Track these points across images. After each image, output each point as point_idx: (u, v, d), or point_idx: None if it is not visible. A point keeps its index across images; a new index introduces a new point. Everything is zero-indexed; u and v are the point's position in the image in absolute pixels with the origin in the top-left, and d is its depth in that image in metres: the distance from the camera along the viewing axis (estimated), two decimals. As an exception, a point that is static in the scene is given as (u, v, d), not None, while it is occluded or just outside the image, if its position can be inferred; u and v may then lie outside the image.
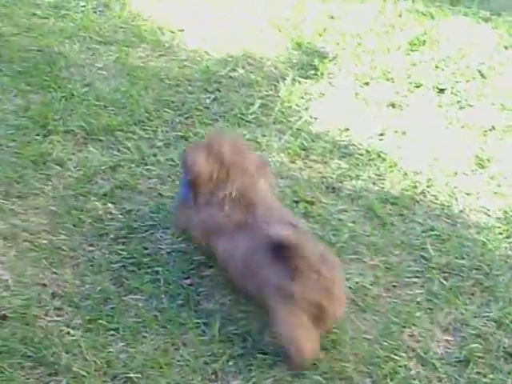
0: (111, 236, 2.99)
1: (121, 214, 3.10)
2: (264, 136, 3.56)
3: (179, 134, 3.51)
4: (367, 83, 4.00)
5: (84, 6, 4.52)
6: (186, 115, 3.65)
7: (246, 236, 2.56)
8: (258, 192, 2.64)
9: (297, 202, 3.23)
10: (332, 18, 4.56)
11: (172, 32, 4.33)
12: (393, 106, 3.87)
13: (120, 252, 2.93)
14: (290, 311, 2.42)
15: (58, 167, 3.32)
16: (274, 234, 2.41)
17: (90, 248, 2.96)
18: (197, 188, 2.68)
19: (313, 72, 4.02)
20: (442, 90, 4.00)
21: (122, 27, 4.35)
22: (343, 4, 4.69)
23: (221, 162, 2.65)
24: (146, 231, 3.03)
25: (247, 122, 3.64)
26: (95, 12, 4.47)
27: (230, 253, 2.61)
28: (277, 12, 4.52)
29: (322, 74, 4.02)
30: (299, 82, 3.93)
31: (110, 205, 3.13)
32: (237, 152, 2.68)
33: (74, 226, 3.04)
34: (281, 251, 2.39)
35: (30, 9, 4.43)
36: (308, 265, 2.39)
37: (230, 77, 3.96)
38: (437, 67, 4.18)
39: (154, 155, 3.38)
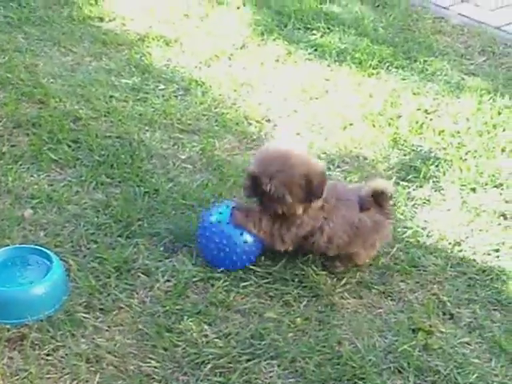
0: (209, 365, 2.62)
1: (218, 338, 2.73)
2: (370, 248, 3.19)
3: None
4: (474, 189, 3.64)
5: (163, 90, 4.25)
6: (282, 220, 3.30)
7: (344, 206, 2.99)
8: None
9: (414, 330, 2.85)
10: (427, 112, 4.24)
11: (258, 122, 4.03)
12: (504, 217, 3.50)
13: (219, 386, 2.56)
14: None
15: (144, 276, 2.97)
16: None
17: (185, 378, 2.60)
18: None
19: (415, 175, 3.68)
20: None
21: (204, 114, 4.06)
22: (437, 98, 4.38)
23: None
24: (248, 360, 2.66)
25: (351, 231, 3.28)
26: (176, 97, 4.19)
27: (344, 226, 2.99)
28: (369, 105, 4.21)
29: (424, 177, 3.67)
30: (402, 187, 3.59)
31: (205, 326, 2.77)
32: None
33: (165, 350, 2.68)
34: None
35: (107, 91, 4.16)
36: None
37: (326, 176, 3.61)
38: (547, 172, 3.83)
39: (252, 265, 3.03)
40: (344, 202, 2.99)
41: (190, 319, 2.78)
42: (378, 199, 3.01)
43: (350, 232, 2.99)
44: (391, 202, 3.11)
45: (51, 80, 4.25)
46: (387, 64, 4.68)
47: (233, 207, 2.98)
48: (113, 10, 5.13)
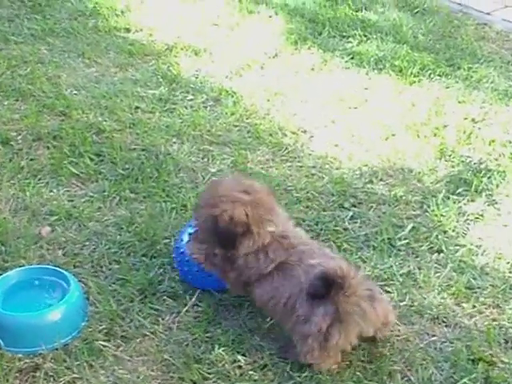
0: (243, 401, 2.33)
1: (253, 370, 2.45)
2: (420, 269, 2.90)
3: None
4: (532, 204, 3.33)
5: (192, 100, 4.01)
6: (323, 237, 3.03)
7: (287, 277, 2.45)
8: (293, 232, 2.59)
9: (473, 361, 2.53)
10: (474, 121, 3.94)
11: (294, 133, 3.77)
12: None
13: (255, 424, 2.27)
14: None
15: (170, 300, 2.71)
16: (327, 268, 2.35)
17: (216, 416, 2.31)
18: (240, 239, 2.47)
19: (465, 188, 3.38)
20: None
21: (235, 125, 3.81)
22: (484, 106, 4.07)
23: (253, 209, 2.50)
24: (287, 396, 2.36)
25: (398, 249, 2.99)
26: (205, 107, 3.95)
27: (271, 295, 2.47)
28: (412, 115, 3.92)
29: (476, 190, 3.36)
30: (452, 201, 3.28)
31: (238, 356, 2.48)
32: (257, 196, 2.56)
33: (194, 383, 2.40)
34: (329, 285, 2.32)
35: (133, 102, 3.95)
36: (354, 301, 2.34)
37: (368, 190, 3.33)
38: None
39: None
40: (285, 273, 2.46)
41: (222, 348, 2.51)
42: (328, 286, 2.32)
43: (278, 309, 2.45)
44: (348, 293, 2.31)
45: (74, 91, 4.05)
46: (429, 71, 4.39)
47: (190, 233, 2.66)
48: (140, 20, 4.95)
